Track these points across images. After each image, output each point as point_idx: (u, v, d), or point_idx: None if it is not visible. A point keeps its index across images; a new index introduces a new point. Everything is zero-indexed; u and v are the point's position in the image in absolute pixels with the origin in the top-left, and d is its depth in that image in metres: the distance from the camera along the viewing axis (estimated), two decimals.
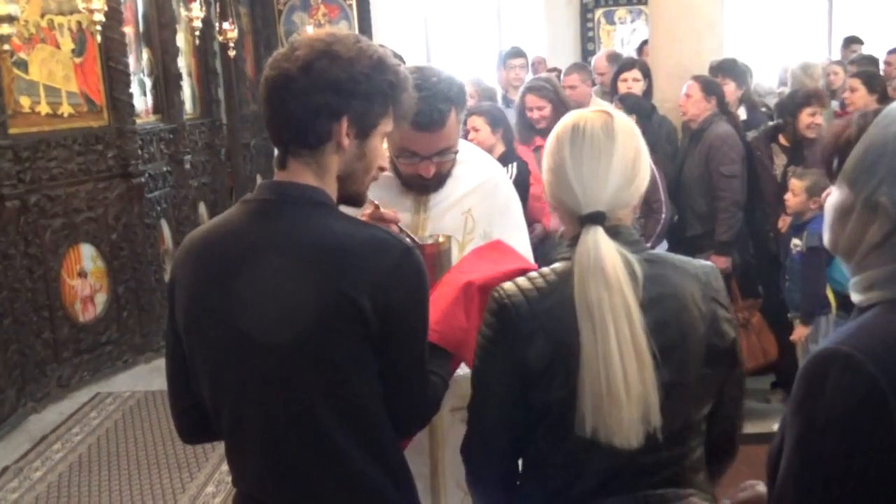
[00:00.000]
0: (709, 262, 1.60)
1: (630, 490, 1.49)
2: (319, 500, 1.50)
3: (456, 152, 2.13)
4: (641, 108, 4.54)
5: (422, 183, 2.11)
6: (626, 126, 1.53)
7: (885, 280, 1.20)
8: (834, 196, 1.28)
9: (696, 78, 4.77)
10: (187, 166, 6.48)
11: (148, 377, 5.41)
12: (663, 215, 4.24)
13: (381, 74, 1.49)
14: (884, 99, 4.74)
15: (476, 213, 2.24)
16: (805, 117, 4.39)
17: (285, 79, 1.45)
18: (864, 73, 4.96)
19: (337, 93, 1.44)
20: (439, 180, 2.14)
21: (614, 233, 1.45)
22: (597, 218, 1.45)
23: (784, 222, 4.45)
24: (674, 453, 1.50)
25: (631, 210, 1.54)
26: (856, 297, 1.26)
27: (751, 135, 4.75)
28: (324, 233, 1.45)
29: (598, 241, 1.42)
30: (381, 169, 1.62)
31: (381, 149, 1.59)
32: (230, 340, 1.46)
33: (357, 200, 1.62)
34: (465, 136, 3.87)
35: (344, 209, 1.57)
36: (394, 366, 1.48)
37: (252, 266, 1.45)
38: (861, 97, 4.76)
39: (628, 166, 1.49)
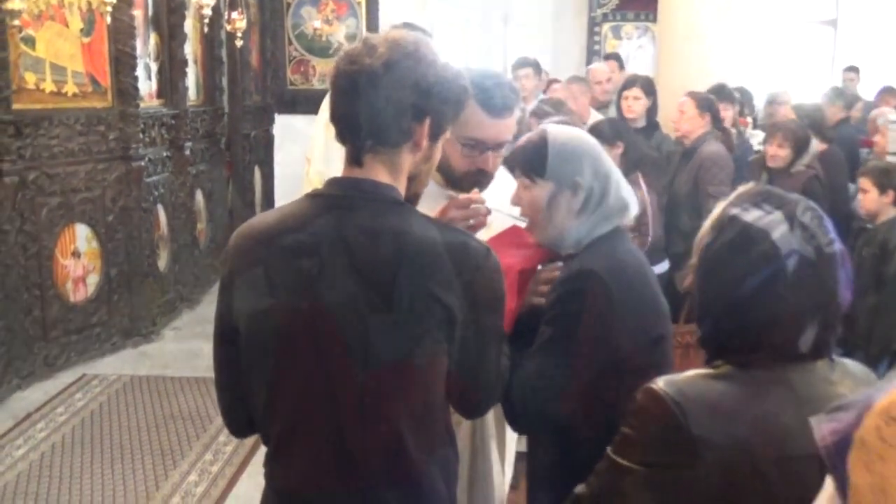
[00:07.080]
0: None
1: None
2: (378, 498, 1.48)
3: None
4: (603, 136, 4.38)
5: (477, 179, 2.02)
6: None
7: (586, 232, 1.80)
8: (537, 192, 1.81)
9: (691, 94, 4.74)
10: (187, 153, 6.46)
11: (135, 361, 5.39)
12: (649, 238, 4.19)
13: (457, 80, 1.52)
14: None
15: (496, 227, 2.23)
16: (770, 149, 4.49)
17: (368, 74, 1.43)
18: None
19: (421, 94, 1.46)
20: (491, 178, 2.07)
21: None
22: None
23: None
24: None
25: None
26: (569, 252, 1.83)
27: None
28: (407, 232, 1.44)
29: None
30: None
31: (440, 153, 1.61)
32: (304, 335, 1.44)
33: (413, 202, 1.60)
34: None
35: None
36: (478, 359, 1.52)
37: (329, 262, 1.43)
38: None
39: None
